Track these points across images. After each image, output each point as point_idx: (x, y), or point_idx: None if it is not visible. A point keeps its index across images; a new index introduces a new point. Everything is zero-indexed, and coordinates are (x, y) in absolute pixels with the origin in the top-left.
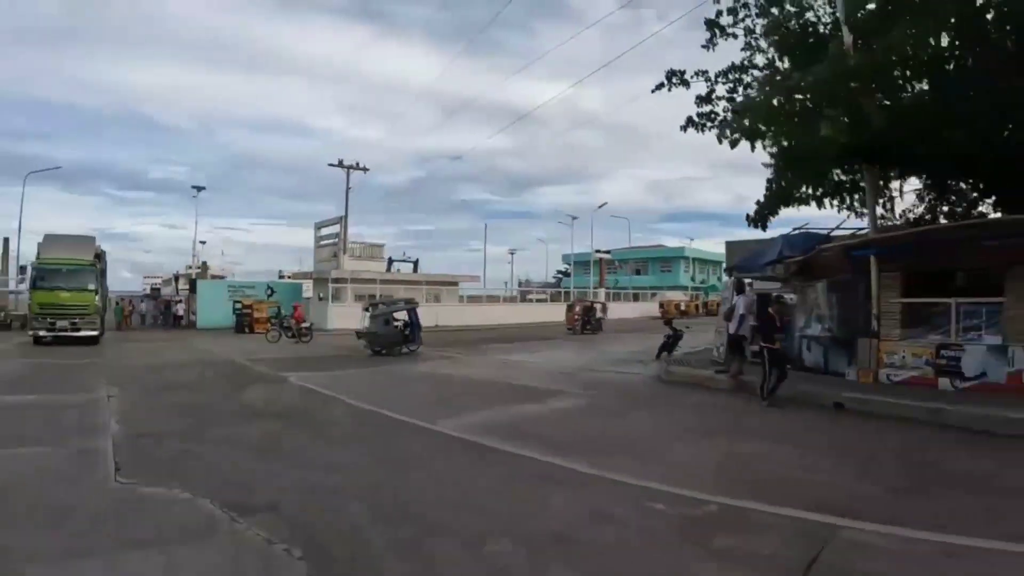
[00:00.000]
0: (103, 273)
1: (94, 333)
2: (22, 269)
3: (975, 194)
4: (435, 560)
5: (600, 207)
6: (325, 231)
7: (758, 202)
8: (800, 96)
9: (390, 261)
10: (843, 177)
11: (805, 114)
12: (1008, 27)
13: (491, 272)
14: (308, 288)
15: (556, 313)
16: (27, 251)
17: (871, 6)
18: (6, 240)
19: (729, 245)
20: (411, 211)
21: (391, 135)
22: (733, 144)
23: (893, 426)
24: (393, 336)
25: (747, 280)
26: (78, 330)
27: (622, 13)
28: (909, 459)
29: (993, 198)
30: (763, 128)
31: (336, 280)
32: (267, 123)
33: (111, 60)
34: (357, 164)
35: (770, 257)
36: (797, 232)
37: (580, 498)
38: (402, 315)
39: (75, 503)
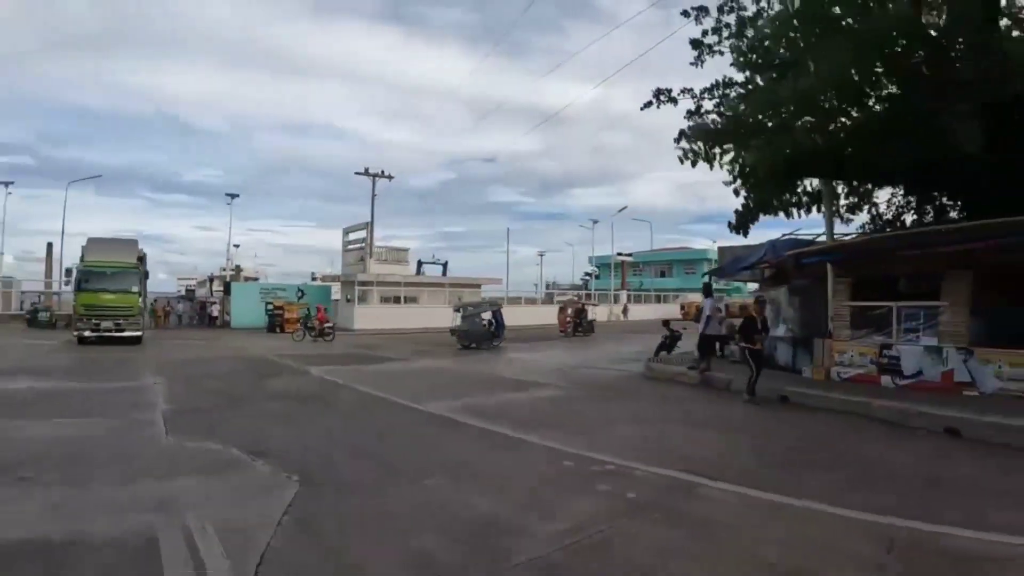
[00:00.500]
0: (146, 275)
1: (137, 334)
2: (67, 271)
3: (945, 201)
4: (386, 485)
5: (620, 211)
6: (352, 236)
7: (736, 211)
8: (746, 119)
9: (420, 263)
10: (810, 188)
11: (750, 136)
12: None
13: (523, 274)
14: (337, 290)
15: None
16: (68, 254)
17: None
18: (50, 244)
19: (721, 249)
20: (443, 213)
21: (423, 137)
22: (693, 164)
23: (822, 417)
24: (482, 332)
25: (748, 284)
26: (122, 331)
27: (652, 12)
28: (811, 443)
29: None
30: (710, 150)
31: (362, 283)
32: (299, 126)
33: (145, 66)
34: (382, 172)
35: (749, 262)
36: (786, 238)
37: (513, 456)
38: (487, 314)
39: (137, 451)
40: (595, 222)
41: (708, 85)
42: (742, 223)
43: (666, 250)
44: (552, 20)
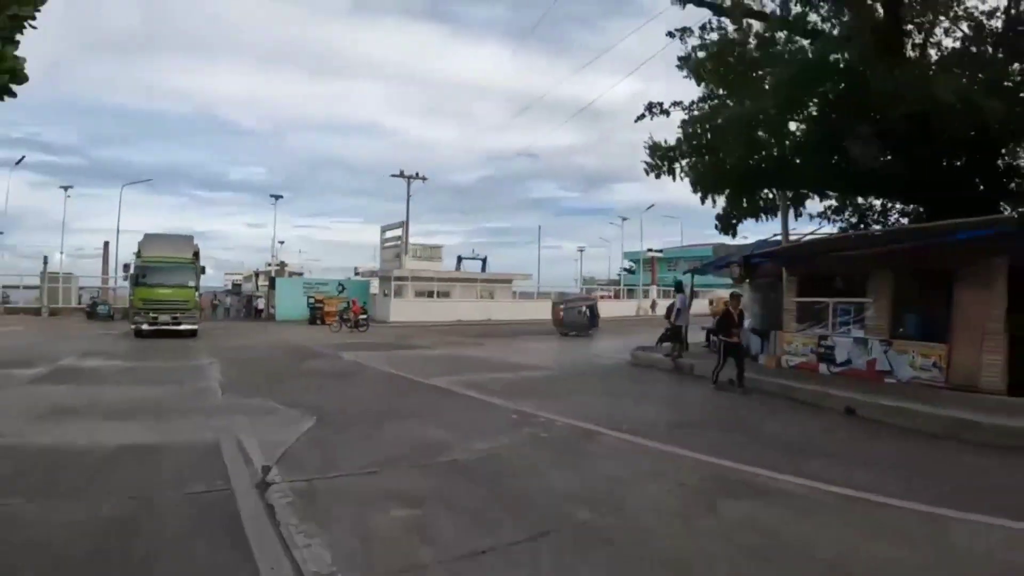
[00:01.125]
0: (203, 270)
1: (194, 327)
2: (125, 267)
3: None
4: (375, 423)
5: (648, 208)
6: (389, 234)
7: (717, 215)
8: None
9: (459, 259)
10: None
11: (700, 152)
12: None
13: (564, 270)
14: (376, 285)
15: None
16: (123, 249)
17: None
18: (106, 243)
19: (715, 247)
20: (485, 209)
21: (464, 133)
22: (657, 176)
23: (756, 398)
24: (581, 321)
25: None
26: (178, 324)
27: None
28: (724, 415)
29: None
30: (671, 164)
31: (398, 278)
32: (341, 124)
33: (187, 66)
34: (417, 174)
35: (725, 261)
36: (775, 237)
37: (477, 411)
38: (584, 307)
39: (201, 404)
40: (624, 219)
41: (693, 99)
42: (727, 225)
43: (698, 246)
44: (591, 15)
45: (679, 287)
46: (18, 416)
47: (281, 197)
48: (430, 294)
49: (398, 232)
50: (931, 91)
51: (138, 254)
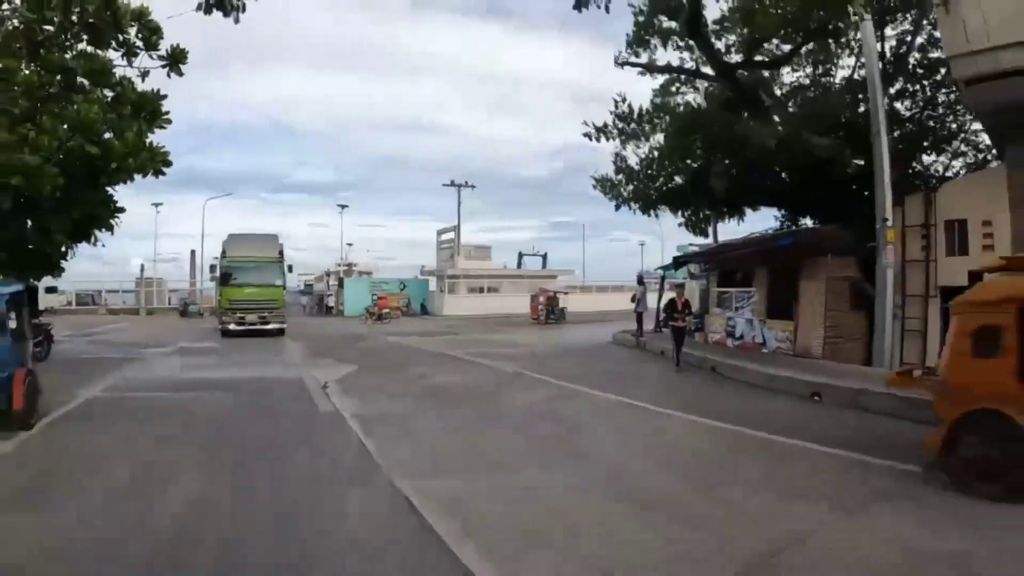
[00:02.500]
0: (290, 268)
1: (282, 326)
2: (211, 267)
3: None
4: (398, 370)
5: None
6: (444, 236)
7: (679, 224)
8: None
9: (520, 256)
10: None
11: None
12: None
13: (630, 262)
14: (434, 283)
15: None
16: (207, 255)
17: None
18: (192, 251)
19: (701, 247)
20: (552, 203)
21: (529, 128)
22: (604, 193)
23: (672, 365)
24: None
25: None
26: (267, 323)
27: None
28: (637, 371)
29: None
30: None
31: (451, 276)
32: (405, 123)
33: (254, 76)
34: (466, 183)
35: (676, 262)
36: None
37: (480, 369)
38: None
39: (288, 362)
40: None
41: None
42: (698, 229)
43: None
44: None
45: (640, 279)
46: (169, 369)
47: (347, 207)
48: (480, 290)
49: (451, 235)
50: (766, 135)
51: (223, 254)
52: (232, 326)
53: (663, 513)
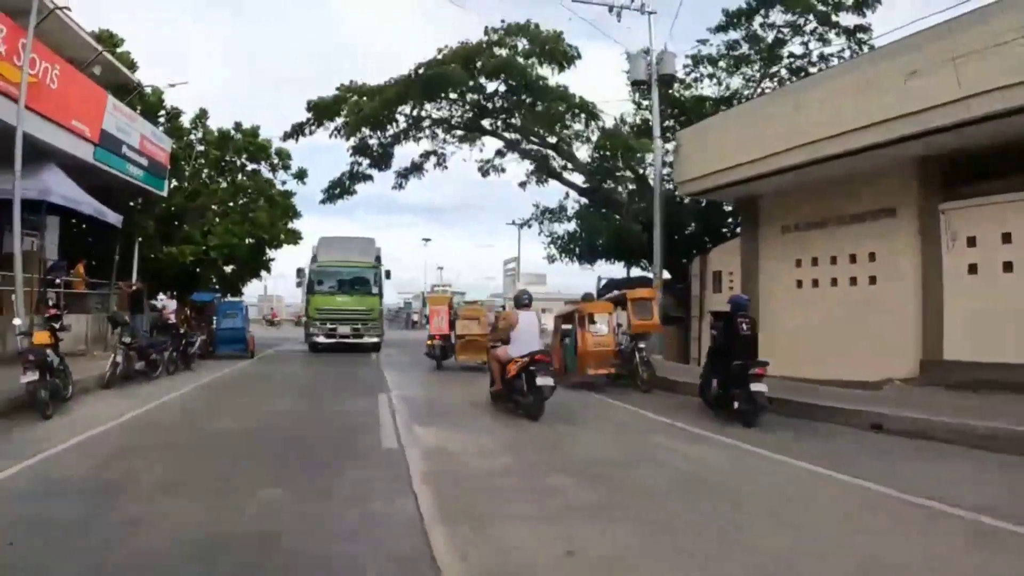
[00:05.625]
0: (388, 275)
1: (377, 340)
2: (299, 271)
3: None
4: (416, 363)
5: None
6: (509, 265)
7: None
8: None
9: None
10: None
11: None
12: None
13: None
14: (509, 304)
15: None
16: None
17: None
18: (299, 269)
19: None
20: None
21: None
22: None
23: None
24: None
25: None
26: (360, 337)
27: None
28: None
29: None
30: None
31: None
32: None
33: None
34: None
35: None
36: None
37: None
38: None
39: (370, 363)
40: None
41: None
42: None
43: None
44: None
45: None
46: (294, 356)
47: (429, 240)
48: (543, 310)
49: (514, 264)
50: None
51: (314, 259)
52: (321, 339)
53: None
